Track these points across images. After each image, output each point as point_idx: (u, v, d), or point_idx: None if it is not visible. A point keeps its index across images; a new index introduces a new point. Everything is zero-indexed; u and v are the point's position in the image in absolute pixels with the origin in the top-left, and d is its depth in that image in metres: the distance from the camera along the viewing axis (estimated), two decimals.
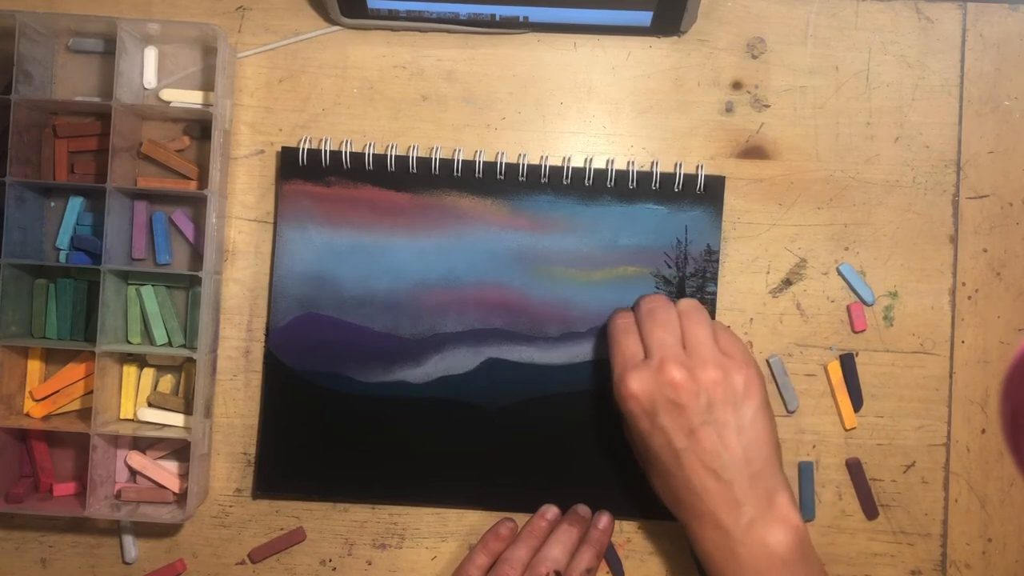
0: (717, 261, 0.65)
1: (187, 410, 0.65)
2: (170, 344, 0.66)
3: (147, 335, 0.66)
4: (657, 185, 0.65)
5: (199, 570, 0.66)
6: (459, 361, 0.65)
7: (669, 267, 0.65)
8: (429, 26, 0.66)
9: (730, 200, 0.66)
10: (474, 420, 0.65)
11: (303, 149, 0.65)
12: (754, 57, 0.67)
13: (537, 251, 0.65)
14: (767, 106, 0.67)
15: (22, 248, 0.64)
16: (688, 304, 0.60)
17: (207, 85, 0.66)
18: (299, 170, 0.65)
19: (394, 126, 0.67)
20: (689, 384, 0.56)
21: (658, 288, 0.65)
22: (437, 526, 0.66)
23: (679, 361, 0.57)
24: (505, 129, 0.67)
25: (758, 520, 0.56)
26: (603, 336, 0.65)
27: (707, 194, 0.65)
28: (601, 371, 0.65)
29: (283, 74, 0.67)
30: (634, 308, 0.62)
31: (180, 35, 0.65)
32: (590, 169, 0.65)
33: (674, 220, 0.65)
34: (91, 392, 0.64)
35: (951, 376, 0.66)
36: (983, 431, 0.66)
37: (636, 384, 0.57)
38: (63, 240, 0.66)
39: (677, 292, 0.65)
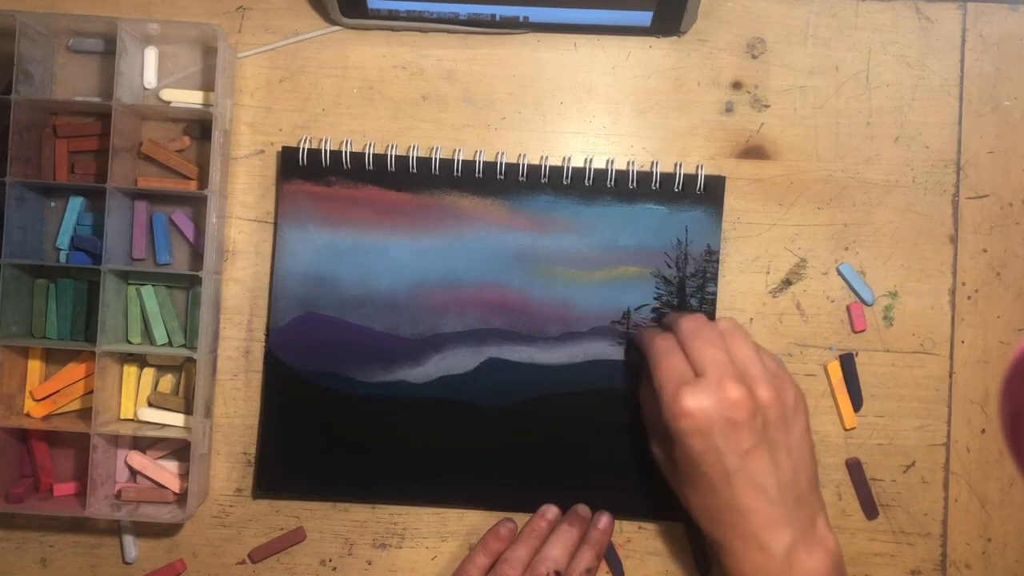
0: (717, 261, 0.65)
1: (187, 410, 0.65)
2: (170, 344, 0.66)
3: (147, 335, 0.66)
4: (657, 185, 0.65)
5: (199, 570, 0.66)
6: (459, 361, 0.65)
7: (669, 267, 0.65)
8: (429, 26, 0.66)
9: (730, 200, 0.66)
10: (474, 420, 0.65)
11: (303, 149, 0.65)
12: (754, 57, 0.67)
13: (537, 251, 0.65)
14: (767, 106, 0.67)
15: (22, 248, 0.64)
16: (729, 323, 0.59)
17: (207, 85, 0.66)
18: (299, 170, 0.65)
19: (394, 126, 0.67)
20: (748, 403, 0.55)
21: (658, 288, 0.65)
22: (437, 526, 0.66)
23: (738, 379, 0.55)
24: (505, 129, 0.67)
25: (800, 542, 0.56)
26: (604, 335, 0.65)
27: (707, 194, 0.65)
28: (601, 371, 0.65)
29: (283, 74, 0.67)
30: (669, 328, 0.61)
31: (180, 35, 0.65)
32: (590, 169, 0.65)
33: (674, 220, 0.65)
34: (91, 392, 0.64)
35: (951, 376, 0.66)
36: (983, 431, 0.66)
37: (693, 402, 0.55)
38: (63, 240, 0.66)
39: (677, 292, 0.65)
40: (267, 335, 0.66)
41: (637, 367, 0.64)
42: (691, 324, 0.59)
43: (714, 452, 0.55)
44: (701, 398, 0.55)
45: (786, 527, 0.55)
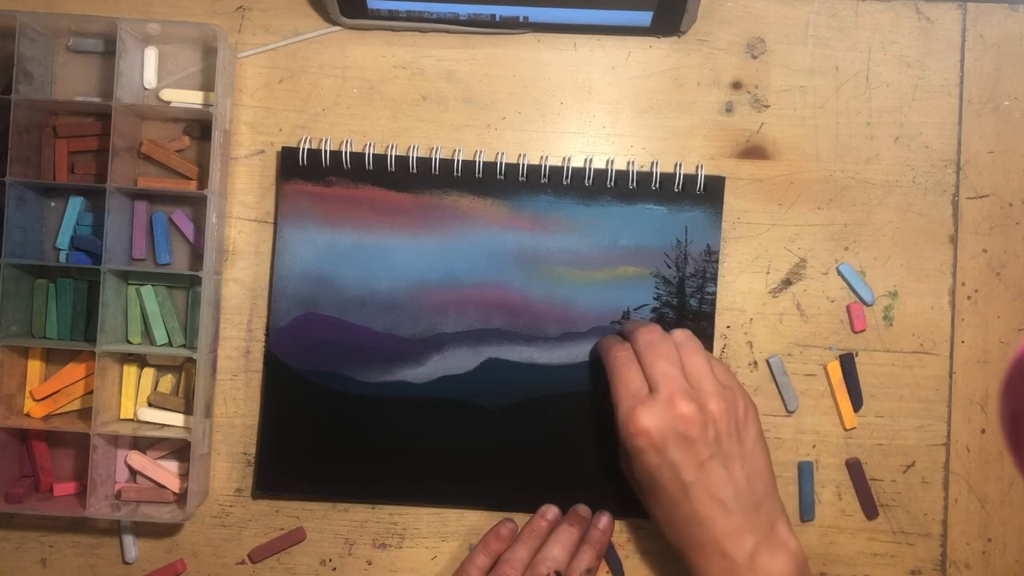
0: (717, 261, 0.65)
1: (187, 410, 0.65)
2: (170, 344, 0.66)
3: (147, 335, 0.66)
4: (657, 185, 0.65)
5: (199, 570, 0.66)
6: (459, 361, 0.65)
7: (669, 267, 0.65)
8: (429, 26, 0.66)
9: (730, 200, 0.66)
10: (474, 420, 0.65)
11: (303, 149, 0.65)
12: (754, 57, 0.67)
13: (537, 251, 0.65)
14: (767, 106, 0.67)
15: (22, 248, 0.64)
16: (683, 335, 0.60)
17: (207, 85, 0.66)
18: (299, 170, 0.65)
19: (394, 126, 0.67)
20: (699, 417, 0.56)
21: (658, 288, 0.65)
22: (437, 526, 0.66)
23: (688, 395, 0.57)
24: (505, 129, 0.67)
25: (761, 547, 0.57)
26: (604, 335, 0.65)
27: (707, 194, 0.65)
28: (601, 372, 0.65)
29: (283, 74, 0.67)
30: (627, 337, 0.62)
31: (180, 35, 0.65)
32: (590, 169, 0.65)
33: (674, 220, 0.65)
34: (91, 392, 0.64)
35: (951, 376, 0.66)
36: (983, 431, 0.66)
37: (647, 419, 0.56)
38: (63, 240, 0.66)
39: (677, 292, 0.65)
40: (268, 335, 0.66)
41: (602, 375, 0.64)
42: (647, 337, 0.60)
43: (670, 467, 0.56)
44: (654, 415, 0.56)
45: (747, 534, 0.57)
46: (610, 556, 0.66)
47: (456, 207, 0.65)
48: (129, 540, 0.66)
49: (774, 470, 0.60)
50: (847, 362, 0.66)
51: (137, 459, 0.66)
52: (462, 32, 0.66)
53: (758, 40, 0.67)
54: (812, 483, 0.66)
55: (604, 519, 0.64)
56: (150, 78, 0.66)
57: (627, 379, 0.58)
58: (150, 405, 0.66)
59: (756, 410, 0.60)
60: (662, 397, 0.57)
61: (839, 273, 0.66)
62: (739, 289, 0.66)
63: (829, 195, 0.66)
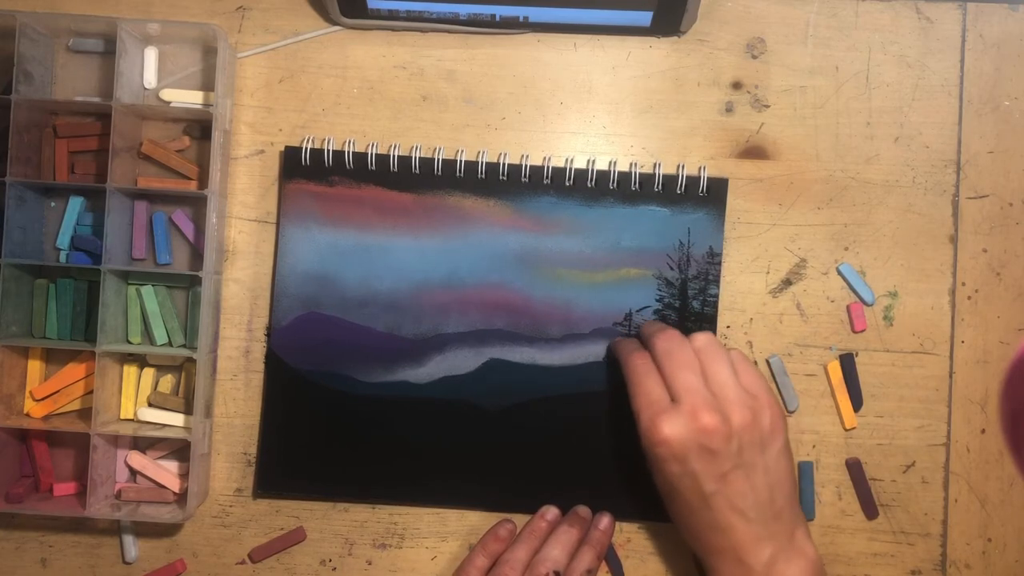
0: (720, 264, 0.65)
1: (187, 410, 0.65)
2: (170, 344, 0.66)
3: (147, 335, 0.66)
4: (660, 187, 0.65)
5: (199, 570, 0.66)
6: (461, 361, 0.65)
7: (671, 269, 0.65)
8: (429, 26, 0.66)
9: (730, 200, 0.66)
10: (475, 420, 0.65)
11: (306, 149, 0.65)
12: (754, 57, 0.67)
13: (539, 252, 0.65)
14: (767, 106, 0.67)
15: (22, 248, 0.64)
16: (704, 340, 0.59)
17: (207, 85, 0.66)
18: (302, 170, 0.65)
19: (394, 126, 0.67)
20: (722, 429, 0.56)
21: (660, 290, 0.65)
22: (437, 526, 0.66)
23: (711, 407, 0.56)
24: (505, 129, 0.67)
25: (779, 556, 0.57)
26: (606, 337, 0.65)
27: (710, 196, 0.65)
28: (601, 373, 0.65)
29: (283, 74, 0.67)
30: (645, 341, 0.61)
31: (180, 35, 0.65)
32: (593, 170, 0.65)
33: (676, 222, 0.65)
34: (91, 392, 0.64)
35: (951, 376, 0.66)
36: (983, 431, 0.66)
37: (669, 430, 0.56)
38: (63, 240, 0.66)
39: (679, 294, 0.65)
40: (269, 334, 0.66)
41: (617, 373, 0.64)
42: (665, 345, 0.59)
43: (691, 477, 0.56)
44: (676, 426, 0.56)
45: (766, 542, 0.57)
46: (610, 557, 0.66)
47: (459, 208, 0.65)
48: (129, 540, 0.66)
49: None
50: (847, 362, 0.66)
51: (137, 459, 0.66)
52: (462, 32, 0.66)
53: (758, 40, 0.67)
54: (812, 483, 0.66)
55: (605, 520, 0.64)
56: (150, 78, 0.66)
57: (647, 389, 0.58)
58: (150, 405, 0.66)
59: (784, 417, 0.59)
60: (685, 409, 0.56)
61: (839, 273, 0.66)
62: (739, 289, 0.66)
63: (829, 195, 0.66)
